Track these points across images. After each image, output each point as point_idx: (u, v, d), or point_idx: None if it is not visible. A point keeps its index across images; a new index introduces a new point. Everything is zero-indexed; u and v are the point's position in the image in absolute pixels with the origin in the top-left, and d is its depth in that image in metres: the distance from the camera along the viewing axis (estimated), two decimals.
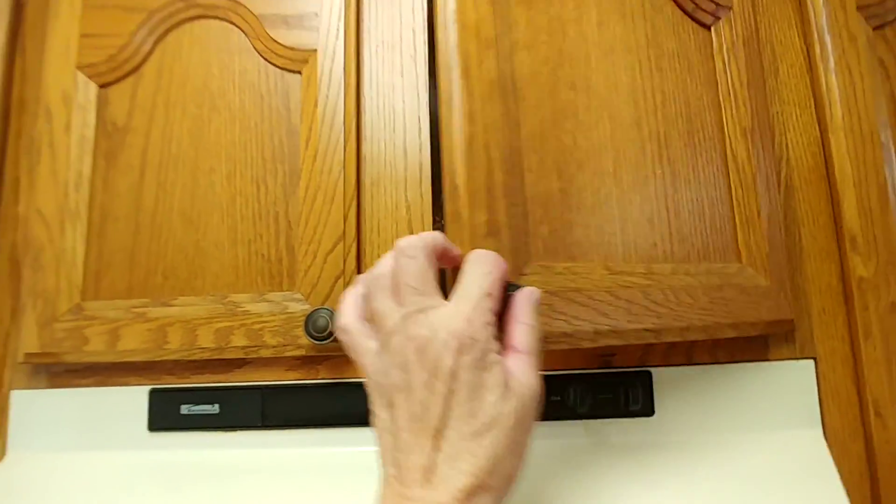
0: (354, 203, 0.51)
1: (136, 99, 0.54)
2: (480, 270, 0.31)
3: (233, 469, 0.49)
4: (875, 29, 0.51)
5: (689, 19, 0.49)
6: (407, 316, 0.30)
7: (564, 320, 0.37)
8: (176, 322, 0.50)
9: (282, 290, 0.51)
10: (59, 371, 0.53)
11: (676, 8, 0.48)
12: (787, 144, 0.51)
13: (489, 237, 0.37)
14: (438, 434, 0.28)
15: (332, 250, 0.50)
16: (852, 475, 0.46)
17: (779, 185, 0.50)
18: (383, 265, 0.32)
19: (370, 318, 0.32)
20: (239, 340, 0.49)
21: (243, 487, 0.49)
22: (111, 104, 0.55)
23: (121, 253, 0.52)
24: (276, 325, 0.49)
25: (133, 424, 0.51)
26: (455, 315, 0.29)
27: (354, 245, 0.51)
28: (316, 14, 0.53)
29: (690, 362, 0.49)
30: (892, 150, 0.49)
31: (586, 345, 0.38)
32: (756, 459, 0.46)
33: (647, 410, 0.48)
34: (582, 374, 0.49)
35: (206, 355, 0.50)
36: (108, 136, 0.54)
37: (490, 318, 0.30)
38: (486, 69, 0.38)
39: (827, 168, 0.50)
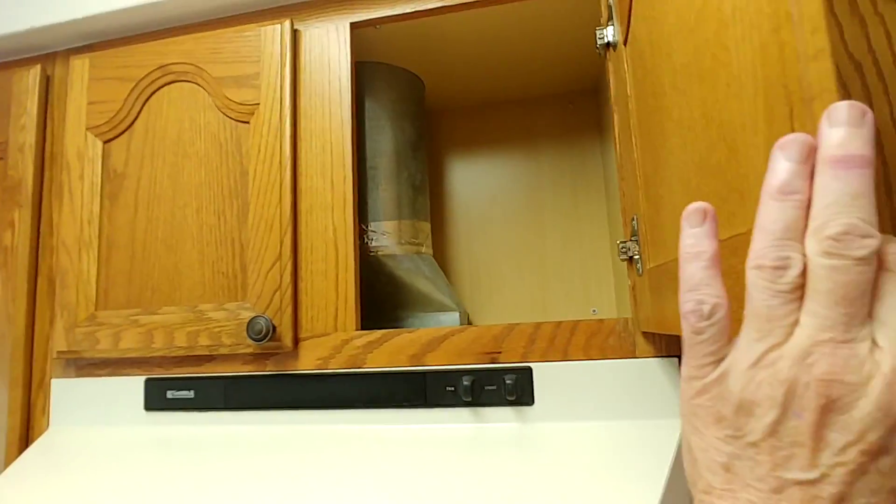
0: (290, 229, 0.63)
1: (130, 151, 0.69)
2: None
3: (205, 440, 0.63)
4: None
5: None
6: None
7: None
8: (160, 327, 0.64)
9: (237, 301, 0.63)
10: (83, 364, 0.69)
11: None
12: None
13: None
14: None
15: (271, 268, 0.62)
16: None
17: None
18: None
19: None
20: (204, 341, 0.63)
21: (212, 454, 0.62)
22: (112, 156, 0.70)
23: (121, 274, 0.67)
24: (231, 329, 0.62)
25: (133, 405, 0.66)
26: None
27: (290, 263, 0.62)
28: (257, 74, 0.65)
29: (566, 359, 0.56)
30: None
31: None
32: (622, 443, 0.53)
33: (528, 400, 0.56)
34: (472, 368, 0.58)
35: (181, 352, 0.64)
36: (110, 181, 0.69)
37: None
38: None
39: None
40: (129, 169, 0.69)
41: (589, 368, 0.56)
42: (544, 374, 0.56)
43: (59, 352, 0.67)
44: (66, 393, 0.69)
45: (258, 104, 0.65)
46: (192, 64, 0.67)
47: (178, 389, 0.65)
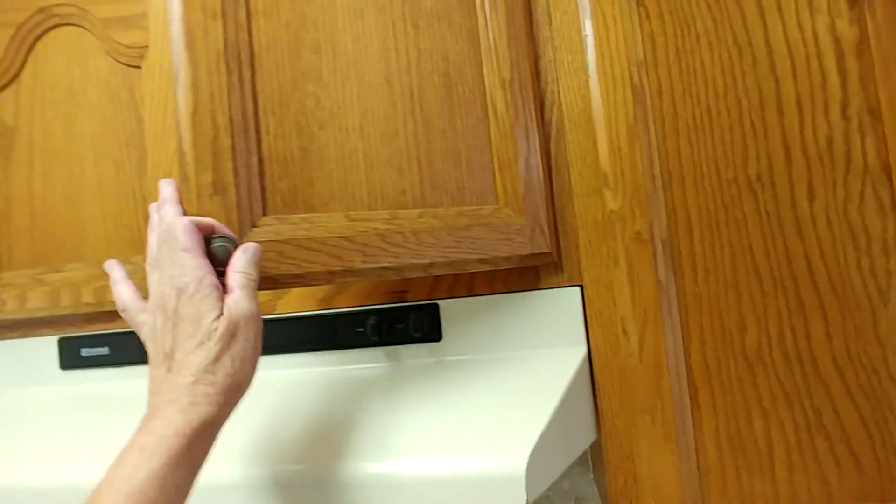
0: None
1: (19, 103, 0.65)
2: (175, 235, 0.40)
3: (123, 396, 0.63)
4: None
5: None
6: (161, 283, 0.40)
7: (294, 264, 0.44)
8: (66, 284, 0.63)
9: (142, 254, 0.61)
10: None
11: None
12: (559, 90, 0.55)
13: (215, 196, 0.42)
14: (171, 358, 0.38)
15: None
16: (613, 386, 0.53)
17: (544, 131, 0.55)
18: (150, 246, 0.43)
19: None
20: (112, 296, 0.61)
21: (131, 409, 0.62)
22: (2, 108, 0.66)
23: (23, 232, 0.65)
24: (137, 283, 0.61)
25: (49, 366, 0.65)
26: (173, 272, 0.39)
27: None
28: (144, 13, 0.61)
29: (472, 293, 0.56)
30: (647, 89, 0.52)
31: (322, 283, 0.46)
32: (528, 373, 0.54)
33: (436, 336, 0.56)
34: (379, 308, 0.57)
35: (90, 309, 0.62)
36: (2, 136, 0.66)
37: (197, 262, 0.39)
38: (213, 40, 0.42)
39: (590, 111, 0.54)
40: (21, 122, 0.65)
41: (494, 302, 0.56)
42: (451, 310, 0.56)
43: None
44: None
45: (147, 46, 0.61)
46: (74, 5, 0.63)
47: (92, 347, 0.64)
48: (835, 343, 0.50)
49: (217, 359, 0.38)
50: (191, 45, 0.42)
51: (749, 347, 0.51)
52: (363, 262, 0.46)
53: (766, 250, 0.50)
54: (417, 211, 0.49)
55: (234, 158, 0.43)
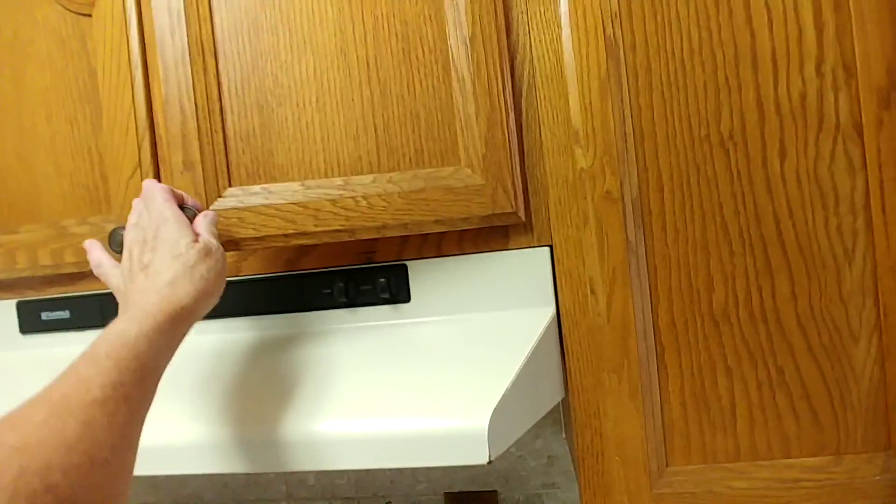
0: (148, 133, 0.58)
1: None
2: (154, 194, 0.47)
3: None
4: None
5: None
6: (139, 229, 0.46)
7: (253, 228, 0.49)
8: (21, 246, 0.60)
9: (100, 214, 0.60)
10: None
11: None
12: (530, 45, 0.53)
13: (186, 172, 0.51)
14: (148, 267, 0.43)
15: (131, 176, 0.58)
16: (581, 345, 0.53)
17: (514, 87, 0.53)
18: (130, 218, 0.48)
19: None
20: (70, 258, 0.59)
21: None
22: None
23: None
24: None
25: (8, 330, 0.63)
26: (154, 215, 0.45)
27: (152, 169, 0.58)
28: None
29: (440, 254, 0.55)
30: (621, 42, 0.50)
31: (279, 245, 0.50)
32: (496, 334, 0.54)
33: (404, 298, 0.56)
34: (347, 269, 0.56)
35: (48, 272, 0.60)
36: None
37: (176, 210, 0.45)
38: (178, 37, 0.49)
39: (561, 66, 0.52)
40: None
41: (463, 263, 0.55)
42: (420, 271, 0.55)
43: None
44: None
45: None
46: None
47: (52, 310, 0.62)
48: (799, 302, 0.50)
49: (194, 266, 0.42)
50: (161, 44, 0.51)
51: (716, 307, 0.51)
52: (315, 225, 0.50)
53: (735, 209, 0.50)
54: (371, 176, 0.50)
55: (199, 139, 0.50)
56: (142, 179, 0.58)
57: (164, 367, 0.39)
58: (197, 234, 0.45)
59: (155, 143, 0.58)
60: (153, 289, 0.41)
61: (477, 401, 0.42)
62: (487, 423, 0.39)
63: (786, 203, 0.49)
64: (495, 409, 0.40)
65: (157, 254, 0.43)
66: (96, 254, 0.49)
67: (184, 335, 0.42)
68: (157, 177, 0.58)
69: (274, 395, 0.50)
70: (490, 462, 0.40)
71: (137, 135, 0.57)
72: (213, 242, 0.45)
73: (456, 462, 0.40)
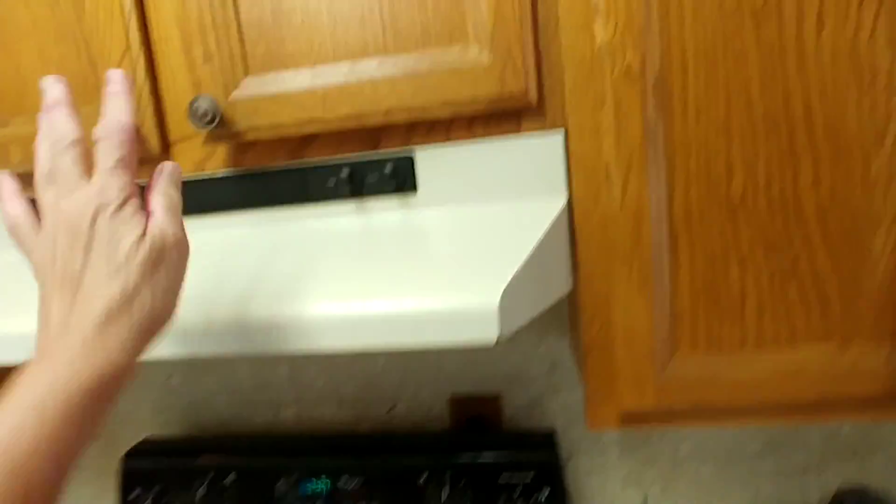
0: (136, 13, 0.54)
1: None
2: (111, 144, 0.35)
3: None
4: None
5: None
6: (59, 198, 0.34)
7: (267, 117, 0.50)
8: (13, 140, 0.58)
9: (90, 105, 0.57)
10: None
11: None
12: None
13: (205, 64, 0.52)
14: (77, 284, 0.32)
15: (120, 62, 0.55)
16: (592, 235, 0.52)
17: None
18: (40, 157, 0.36)
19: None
20: None
21: None
22: None
23: None
24: (88, 136, 0.56)
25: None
26: (92, 187, 0.34)
27: (143, 54, 0.55)
28: None
29: (449, 140, 0.53)
30: None
31: (293, 132, 0.51)
32: (505, 222, 0.52)
33: (411, 187, 0.54)
34: (352, 160, 0.54)
35: None
36: None
37: (124, 182, 0.34)
38: None
39: None
40: None
41: (473, 149, 0.53)
42: (427, 160, 0.53)
43: None
44: None
45: None
46: None
47: None
48: (822, 189, 0.48)
49: (136, 289, 0.32)
50: None
51: (734, 194, 0.49)
52: (324, 111, 0.50)
53: (762, 89, 0.47)
54: (376, 60, 0.49)
55: (215, 30, 0.51)
56: (133, 65, 0.55)
57: (88, 440, 0.31)
58: (148, 215, 0.35)
59: (145, 23, 0.54)
60: (76, 337, 0.31)
61: (487, 280, 0.41)
62: (498, 300, 0.39)
63: (818, 80, 0.46)
64: (506, 289, 0.40)
65: (89, 258, 0.32)
66: (14, 209, 0.37)
67: (116, 399, 0.32)
68: (150, 62, 0.55)
69: (280, 282, 0.50)
70: (498, 342, 0.39)
71: (124, 16, 0.54)
72: (170, 232, 0.35)
73: (465, 340, 0.40)
